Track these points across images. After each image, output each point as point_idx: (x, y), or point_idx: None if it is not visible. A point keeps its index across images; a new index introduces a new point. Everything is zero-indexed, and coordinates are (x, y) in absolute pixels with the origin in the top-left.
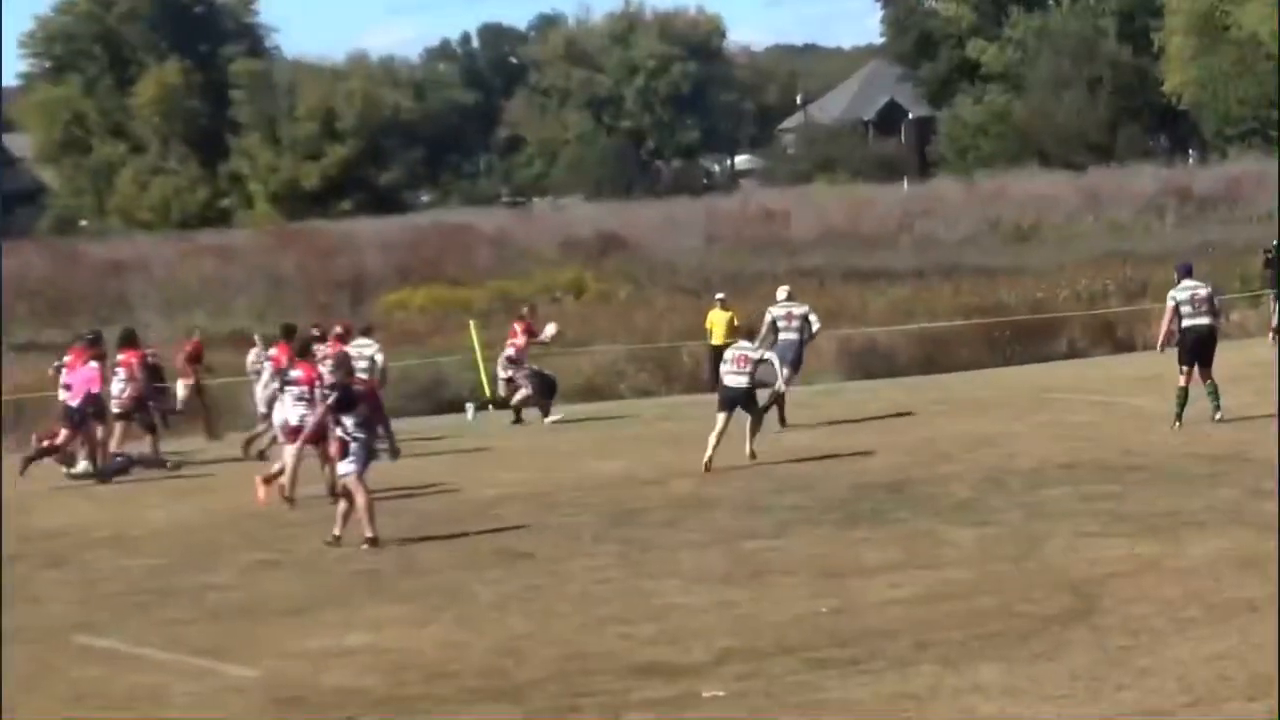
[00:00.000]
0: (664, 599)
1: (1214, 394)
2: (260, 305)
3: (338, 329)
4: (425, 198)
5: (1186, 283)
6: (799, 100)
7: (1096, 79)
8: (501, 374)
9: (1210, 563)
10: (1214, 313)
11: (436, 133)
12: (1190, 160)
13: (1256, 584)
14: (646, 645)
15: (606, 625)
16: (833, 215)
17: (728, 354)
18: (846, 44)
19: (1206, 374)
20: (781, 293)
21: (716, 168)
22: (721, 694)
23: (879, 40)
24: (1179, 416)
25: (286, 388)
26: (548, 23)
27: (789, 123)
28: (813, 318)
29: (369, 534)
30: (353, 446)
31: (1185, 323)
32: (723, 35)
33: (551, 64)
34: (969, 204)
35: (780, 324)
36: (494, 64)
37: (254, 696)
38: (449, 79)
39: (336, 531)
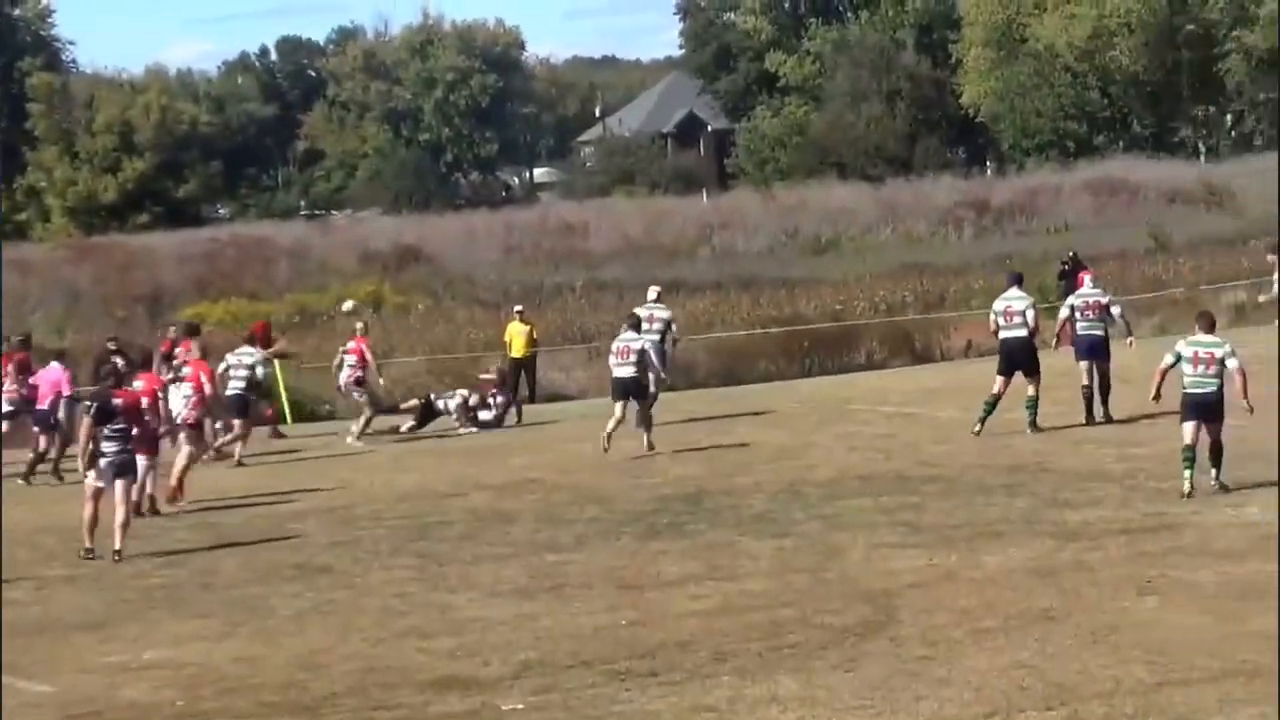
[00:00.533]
0: (462, 612)
1: (1032, 407)
2: (57, 319)
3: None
4: (223, 211)
5: (1009, 293)
6: (598, 113)
7: (895, 91)
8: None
9: (1007, 573)
10: (1027, 325)
11: (234, 146)
12: (988, 172)
13: (1053, 594)
14: (445, 658)
15: (405, 639)
16: (632, 227)
17: (614, 345)
18: (645, 57)
19: (1030, 383)
20: (651, 293)
21: (515, 180)
22: (520, 707)
23: (678, 53)
24: (982, 421)
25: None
26: (346, 36)
27: (588, 135)
28: (674, 325)
29: (88, 544)
30: (101, 461)
31: (1001, 334)
32: (521, 47)
33: (350, 77)
34: (768, 216)
35: (642, 325)
36: (292, 77)
37: (50, 712)
38: (247, 92)
39: (117, 545)
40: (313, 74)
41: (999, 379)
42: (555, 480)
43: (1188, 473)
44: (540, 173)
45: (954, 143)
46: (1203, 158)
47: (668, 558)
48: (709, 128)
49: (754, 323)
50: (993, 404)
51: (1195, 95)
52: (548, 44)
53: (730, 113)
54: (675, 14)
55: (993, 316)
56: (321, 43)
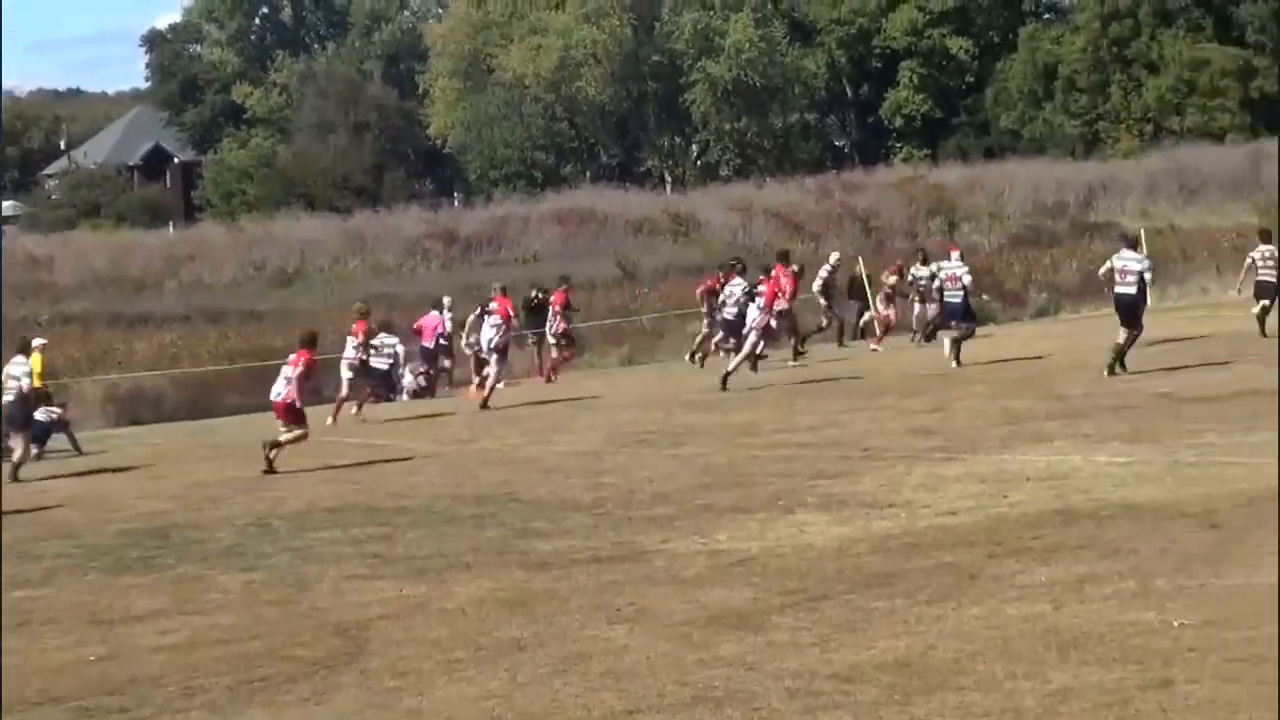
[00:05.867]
0: None
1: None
2: None
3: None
4: None
5: (1124, 253)
6: (63, 145)
7: (362, 123)
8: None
9: (477, 603)
10: (1141, 283)
11: None
12: (455, 203)
13: (523, 623)
14: None
15: None
16: (97, 261)
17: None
18: (111, 89)
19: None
20: (954, 256)
21: None
22: None
23: (144, 85)
24: (1110, 368)
25: None
26: None
27: (53, 168)
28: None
29: None
30: None
31: (1116, 289)
32: None
33: None
34: (234, 248)
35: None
36: None
37: None
38: None
39: None
40: None
41: (1123, 330)
42: (22, 515)
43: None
44: (6, 205)
45: (422, 174)
46: (669, 187)
47: (137, 592)
48: (176, 160)
49: (222, 356)
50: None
51: (661, 125)
52: (10, 76)
53: (197, 145)
54: (141, 46)
55: (1107, 271)
56: None
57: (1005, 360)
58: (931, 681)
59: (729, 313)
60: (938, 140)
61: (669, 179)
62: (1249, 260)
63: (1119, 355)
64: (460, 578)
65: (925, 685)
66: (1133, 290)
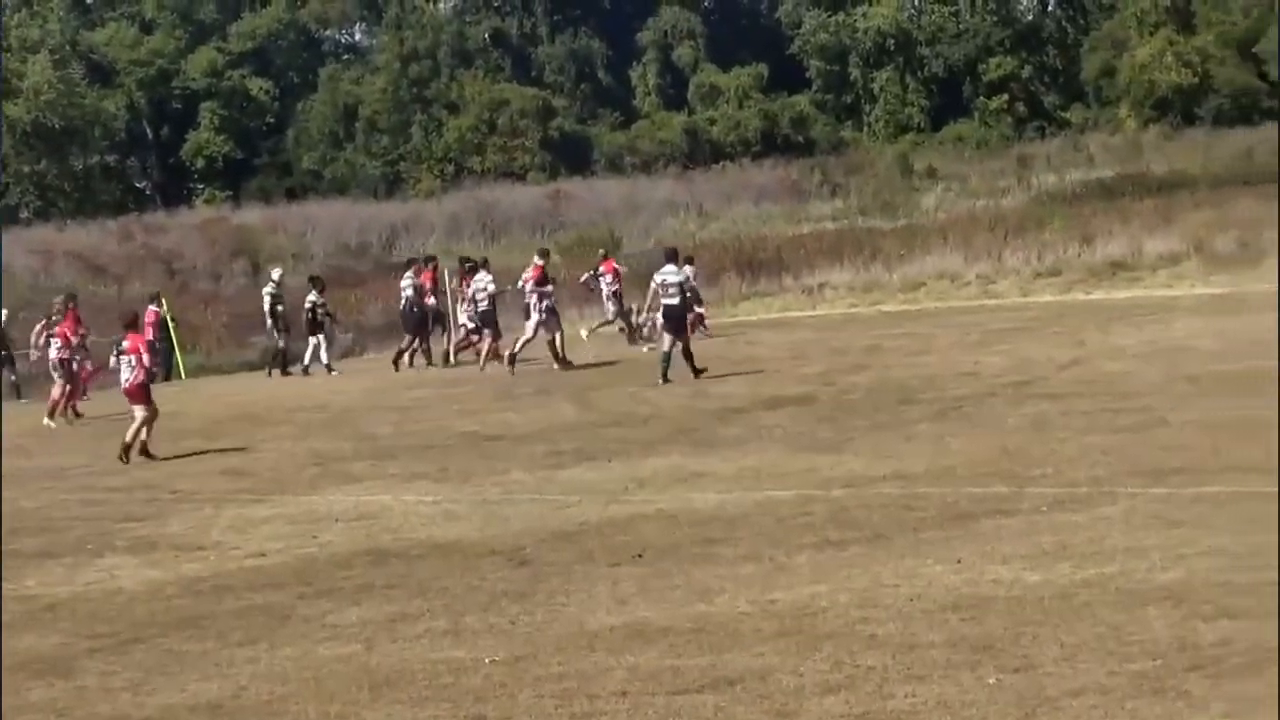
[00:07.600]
0: None
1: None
2: None
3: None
4: None
5: (665, 268)
6: None
7: None
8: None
9: None
10: (682, 294)
11: None
12: None
13: None
14: None
15: None
16: None
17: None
18: None
19: (680, 341)
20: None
21: None
22: None
23: None
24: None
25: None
26: None
27: None
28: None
29: None
30: None
31: (662, 302)
32: None
33: None
34: None
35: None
36: None
37: None
38: None
39: None
40: None
41: (667, 337)
42: None
43: (664, 367)
44: None
45: None
46: None
47: None
48: None
49: None
50: (667, 357)
51: None
52: None
53: None
54: None
55: (653, 287)
56: None
57: (312, 400)
58: None
59: (482, 305)
60: (240, 181)
61: None
62: (652, 286)
63: (669, 363)
64: None
65: None
66: (676, 301)
